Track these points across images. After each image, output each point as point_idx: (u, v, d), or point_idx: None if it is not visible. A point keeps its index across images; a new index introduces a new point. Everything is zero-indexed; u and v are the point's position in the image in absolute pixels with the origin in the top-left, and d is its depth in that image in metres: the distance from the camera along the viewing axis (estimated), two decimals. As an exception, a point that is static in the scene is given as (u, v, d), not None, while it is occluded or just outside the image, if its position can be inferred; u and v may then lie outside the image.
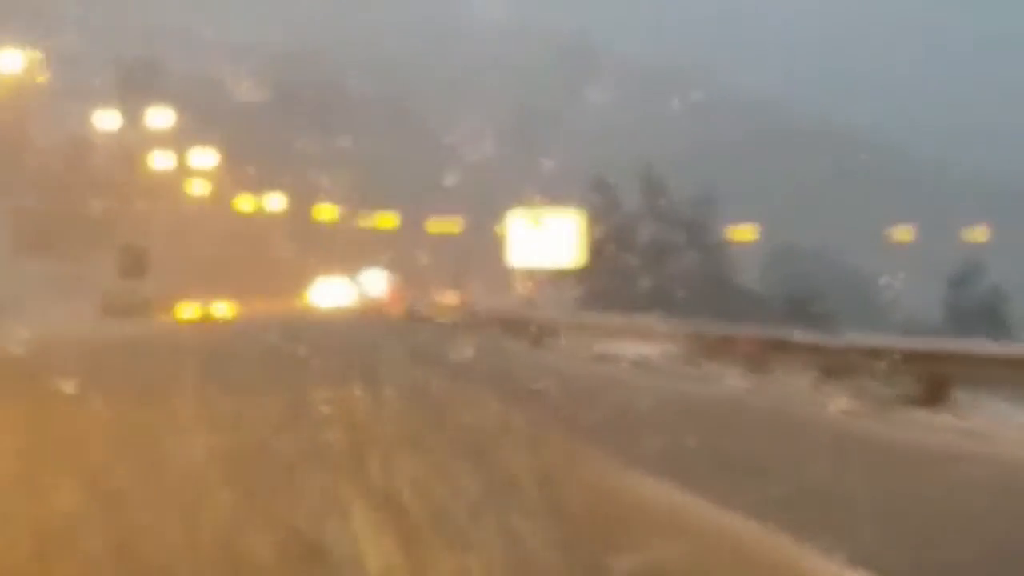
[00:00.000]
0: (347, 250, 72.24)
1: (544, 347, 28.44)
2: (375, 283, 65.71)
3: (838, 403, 14.00)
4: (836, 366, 16.46)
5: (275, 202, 73.40)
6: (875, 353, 15.72)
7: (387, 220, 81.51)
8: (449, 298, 57.00)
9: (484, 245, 74.52)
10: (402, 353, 22.64)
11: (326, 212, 77.58)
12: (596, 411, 12.57)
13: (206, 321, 47.10)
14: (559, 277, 49.94)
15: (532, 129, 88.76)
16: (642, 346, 24.34)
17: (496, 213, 76.33)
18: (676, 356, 22.56)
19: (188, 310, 47.76)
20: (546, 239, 42.93)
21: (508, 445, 8.93)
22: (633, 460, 8.74)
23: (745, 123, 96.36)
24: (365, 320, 46.59)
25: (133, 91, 67.69)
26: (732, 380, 18.36)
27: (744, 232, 79.86)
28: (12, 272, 58.54)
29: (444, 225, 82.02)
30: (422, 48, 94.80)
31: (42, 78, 64.56)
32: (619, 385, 17.77)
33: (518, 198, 61.25)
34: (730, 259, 68.94)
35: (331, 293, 62.99)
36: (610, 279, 60.54)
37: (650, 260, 65.70)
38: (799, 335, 19.96)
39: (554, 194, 54.47)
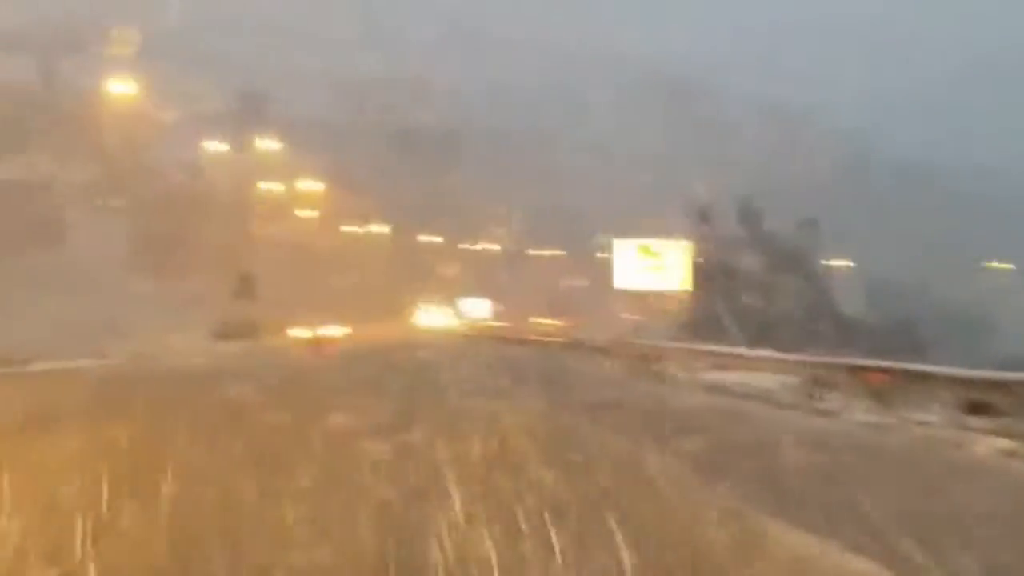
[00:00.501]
0: (449, 275, 72.15)
1: (653, 375, 27.57)
2: (477, 308, 65.64)
3: (990, 443, 12.93)
4: (976, 400, 15.39)
5: (379, 228, 73.61)
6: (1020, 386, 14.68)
7: (487, 247, 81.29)
8: (553, 322, 56.31)
9: (585, 272, 73.92)
10: (510, 378, 22.07)
11: (428, 238, 77.56)
12: (733, 456, 11.73)
13: (321, 343, 47.29)
14: (665, 302, 49.06)
15: (632, 160, 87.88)
16: (755, 376, 23.38)
17: (595, 241, 75.68)
18: (794, 387, 21.56)
19: (302, 332, 48.22)
20: (655, 265, 42.23)
21: (653, 501, 8.23)
22: (803, 523, 7.84)
23: (839, 153, 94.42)
24: (472, 342, 46.13)
25: (244, 121, 68.45)
26: (861, 415, 17.34)
27: (838, 262, 78.29)
28: (126, 293, 59.27)
29: (544, 252, 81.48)
30: (526, 79, 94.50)
31: (157, 106, 65.69)
32: (744, 421, 16.84)
33: (618, 227, 60.40)
34: (831, 288, 67.39)
35: (434, 316, 63.02)
36: (711, 307, 59.48)
37: (751, 288, 64.47)
38: (932, 366, 18.80)
39: (653, 223, 53.54)
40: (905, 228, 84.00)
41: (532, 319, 58.13)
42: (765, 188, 75.07)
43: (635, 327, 44.55)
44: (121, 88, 61.60)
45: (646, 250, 41.82)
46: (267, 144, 63.98)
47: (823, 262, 69.74)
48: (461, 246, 76.44)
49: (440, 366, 25.94)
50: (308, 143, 69.49)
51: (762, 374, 23.47)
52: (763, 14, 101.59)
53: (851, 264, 79.23)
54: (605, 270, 55.03)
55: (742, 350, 26.97)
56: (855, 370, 20.37)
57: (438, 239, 77.44)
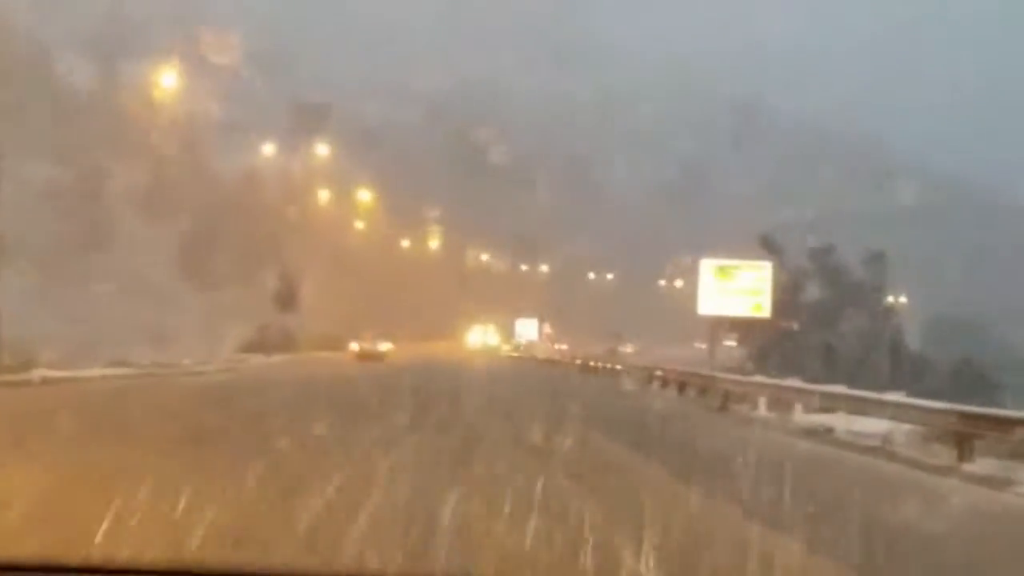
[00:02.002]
0: (500, 295, 67.69)
1: (732, 413, 22.90)
2: (528, 330, 61.28)
3: None
4: None
5: (431, 244, 69.45)
6: None
7: (541, 268, 76.83)
8: (612, 349, 51.64)
9: (644, 297, 69.28)
10: (570, 413, 17.67)
11: (480, 257, 73.30)
12: (894, 560, 7.33)
13: (373, 359, 43.97)
14: (741, 329, 43.90)
15: (696, 186, 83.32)
16: (862, 421, 18.73)
17: (655, 266, 71.04)
18: (918, 438, 16.88)
19: (356, 346, 46.30)
20: (735, 288, 37.41)
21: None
22: None
23: (900, 185, 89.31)
24: (526, 367, 41.54)
25: (302, 130, 64.79)
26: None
27: (898, 297, 73.18)
28: (170, 299, 55.68)
29: (599, 276, 76.94)
30: (590, 104, 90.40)
31: (215, 111, 62.43)
32: (880, 488, 12.23)
33: (681, 253, 55.77)
34: (898, 324, 62.12)
35: (485, 337, 59.10)
36: (785, 339, 54.68)
37: (817, 320, 59.56)
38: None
39: (718, 251, 49.09)
40: (968, 264, 78.90)
41: (591, 345, 53.49)
42: (827, 218, 70.52)
43: (709, 356, 39.71)
44: (177, 91, 58.24)
45: (724, 272, 37.07)
46: (325, 153, 59.97)
47: (890, 298, 64.55)
48: (522, 267, 72.04)
49: (487, 396, 21.32)
50: (368, 155, 65.86)
51: (868, 419, 18.81)
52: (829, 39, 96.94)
53: (904, 299, 74.26)
54: (668, 294, 50.69)
55: (838, 388, 22.19)
56: (1000, 422, 15.56)
57: (495, 258, 73.24)
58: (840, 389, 21.57)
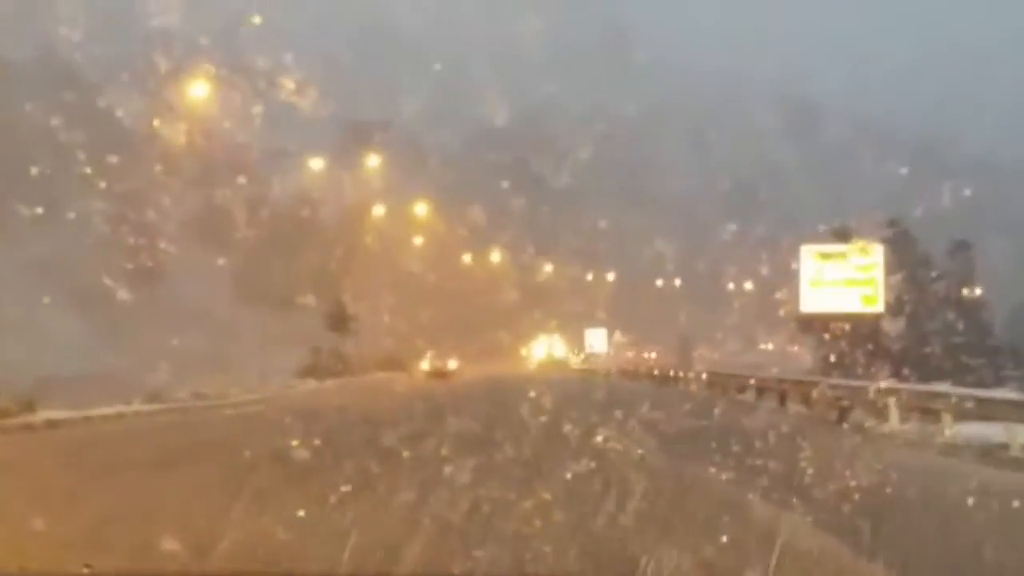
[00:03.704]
0: (566, 307, 63.24)
1: (858, 429, 18.08)
2: (598, 340, 56.64)
3: None
4: None
5: (496, 257, 65.11)
6: None
7: (607, 277, 72.32)
8: (688, 357, 46.73)
9: (712, 301, 64.36)
10: (666, 441, 13.20)
11: (544, 268, 68.86)
12: None
13: (442, 377, 41.45)
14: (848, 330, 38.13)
15: (753, 189, 78.27)
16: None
17: (721, 271, 66.13)
18: None
19: (426, 365, 44.77)
20: (843, 278, 31.95)
21: None
22: None
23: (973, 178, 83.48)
24: (592, 383, 36.81)
25: (357, 148, 61.06)
26: None
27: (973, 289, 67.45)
28: (231, 330, 52.47)
29: (667, 283, 72.21)
30: (640, 117, 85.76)
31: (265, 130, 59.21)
32: None
33: (746, 255, 51.04)
34: (990, 317, 56.40)
35: (551, 348, 54.71)
36: (855, 336, 49.17)
37: (901, 315, 54.08)
38: None
39: (774, 253, 44.24)
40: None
41: (665, 353, 48.64)
42: (900, 212, 65.20)
43: (815, 364, 34.52)
44: (226, 114, 54.97)
45: (829, 258, 31.42)
46: (377, 166, 55.95)
47: (977, 289, 58.80)
48: (588, 277, 67.39)
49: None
50: (423, 176, 62.02)
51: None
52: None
53: (979, 291, 68.52)
54: (737, 298, 45.96)
55: (999, 393, 17.37)
56: None
57: (559, 270, 68.73)
58: (1003, 393, 16.74)
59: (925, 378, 31.05)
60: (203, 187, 57.56)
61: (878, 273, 32.04)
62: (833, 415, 19.53)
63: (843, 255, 31.92)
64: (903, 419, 17.55)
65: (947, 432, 15.83)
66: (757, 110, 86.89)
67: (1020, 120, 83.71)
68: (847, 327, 43.31)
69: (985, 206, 76.32)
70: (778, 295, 44.85)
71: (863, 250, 31.85)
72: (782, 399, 23.23)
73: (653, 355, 49.04)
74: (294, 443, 12.51)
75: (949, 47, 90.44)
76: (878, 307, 32.44)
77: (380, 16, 79.78)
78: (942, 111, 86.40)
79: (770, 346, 39.53)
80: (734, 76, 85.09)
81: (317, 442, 12.63)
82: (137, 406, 25.19)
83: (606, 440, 12.58)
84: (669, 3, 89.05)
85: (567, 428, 13.92)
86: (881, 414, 18.73)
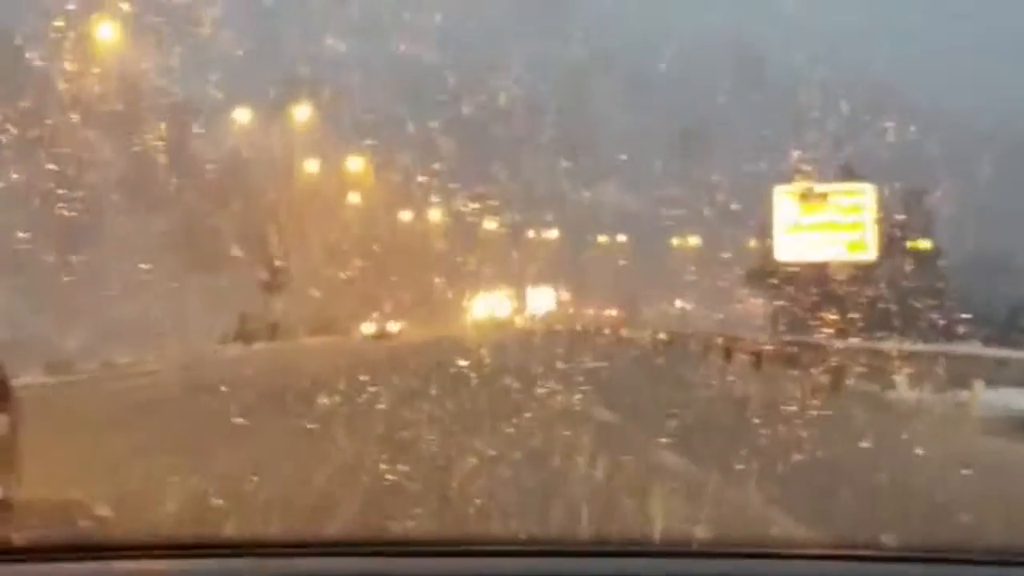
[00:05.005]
0: (507, 264, 60.32)
1: (861, 396, 15.14)
2: (543, 299, 53.77)
3: None
4: None
5: (437, 215, 61.75)
6: None
7: (549, 235, 69.36)
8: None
9: (659, 257, 61.82)
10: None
11: (486, 226, 65.65)
12: None
13: (386, 338, 40.55)
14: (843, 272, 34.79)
15: (700, 142, 75.47)
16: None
17: (664, 229, 63.38)
18: None
19: (369, 327, 43.60)
20: (825, 222, 28.78)
21: None
22: None
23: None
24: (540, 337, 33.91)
25: (288, 103, 57.27)
26: None
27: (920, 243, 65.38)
28: (148, 291, 49.88)
29: (611, 239, 69.45)
30: (586, 67, 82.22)
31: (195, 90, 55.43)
32: None
33: (683, 218, 48.39)
34: (942, 269, 54.14)
35: (494, 307, 51.96)
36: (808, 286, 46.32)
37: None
38: None
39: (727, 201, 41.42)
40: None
41: (613, 310, 45.89)
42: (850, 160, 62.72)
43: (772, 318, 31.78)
44: (152, 68, 50.98)
45: (809, 200, 28.14)
46: (307, 118, 52.43)
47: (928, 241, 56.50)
48: (529, 233, 64.11)
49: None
50: (357, 126, 58.45)
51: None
52: None
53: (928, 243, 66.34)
54: (683, 253, 43.20)
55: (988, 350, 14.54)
56: None
57: (502, 227, 65.43)
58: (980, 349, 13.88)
59: (880, 333, 28.53)
60: (125, 140, 53.83)
61: (867, 216, 28.93)
62: (826, 379, 16.61)
63: (823, 196, 28.72)
64: (913, 385, 14.67)
65: (985, 401, 12.92)
66: (699, 53, 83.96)
67: (966, 69, 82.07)
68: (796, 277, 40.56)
69: (932, 155, 74.52)
70: (729, 246, 42.26)
71: (850, 191, 28.70)
72: (758, 361, 20.35)
73: (613, 312, 46.42)
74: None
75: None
76: (868, 254, 29.34)
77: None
78: (891, 61, 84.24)
79: (737, 304, 36.88)
80: (678, 25, 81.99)
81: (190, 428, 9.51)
82: (31, 378, 21.95)
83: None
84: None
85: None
86: (878, 377, 15.85)
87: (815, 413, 13.02)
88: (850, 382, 16.03)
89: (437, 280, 51.92)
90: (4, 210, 48.97)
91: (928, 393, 13.95)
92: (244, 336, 35.55)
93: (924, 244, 51.38)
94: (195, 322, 42.60)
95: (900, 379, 14.45)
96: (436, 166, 60.06)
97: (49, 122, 51.27)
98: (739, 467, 7.81)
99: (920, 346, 16.89)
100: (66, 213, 49.98)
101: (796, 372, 17.50)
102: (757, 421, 9.46)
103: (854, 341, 20.26)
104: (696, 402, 14.63)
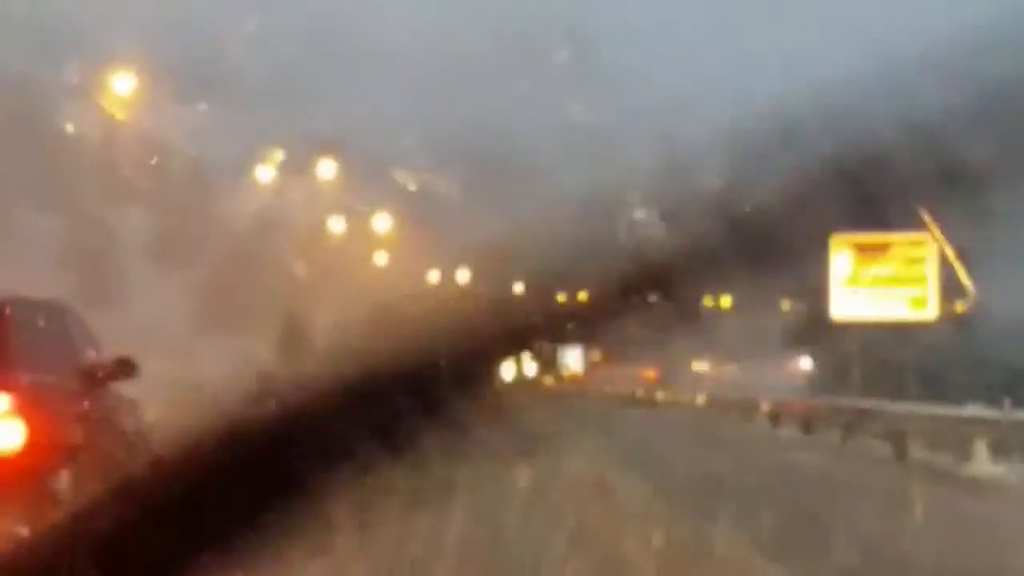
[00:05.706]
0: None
1: (930, 471, 13.31)
2: (574, 359, 52.18)
3: None
4: None
5: (460, 277, 60.52)
6: None
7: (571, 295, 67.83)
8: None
9: (689, 318, 59.84)
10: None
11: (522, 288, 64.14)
12: None
13: None
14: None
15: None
16: None
17: (699, 285, 61.56)
18: None
19: None
20: (887, 274, 26.59)
21: None
22: None
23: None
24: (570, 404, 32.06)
25: (313, 162, 56.55)
26: None
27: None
28: (188, 354, 48.58)
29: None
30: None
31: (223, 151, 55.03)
32: None
33: (720, 273, 46.44)
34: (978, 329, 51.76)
35: (522, 369, 50.22)
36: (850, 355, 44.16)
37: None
38: None
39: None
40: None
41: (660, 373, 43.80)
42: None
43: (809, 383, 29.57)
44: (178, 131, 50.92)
45: (866, 252, 25.50)
46: (331, 176, 51.51)
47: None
48: (551, 292, 62.50)
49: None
50: (384, 187, 57.67)
51: None
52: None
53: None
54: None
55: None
56: None
57: (530, 288, 63.88)
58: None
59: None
60: (152, 204, 53.32)
61: (929, 269, 26.46)
62: (888, 449, 14.78)
63: (884, 246, 26.37)
64: (996, 456, 12.82)
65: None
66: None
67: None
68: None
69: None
70: (772, 302, 40.14)
71: (910, 242, 26.37)
72: (807, 427, 18.55)
73: (648, 373, 44.68)
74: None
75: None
76: (928, 312, 26.89)
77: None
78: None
79: (780, 363, 34.83)
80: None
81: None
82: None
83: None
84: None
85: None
86: (946, 445, 14.02)
87: (883, 494, 11.19)
88: (919, 453, 14.19)
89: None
90: (30, 268, 48.29)
91: (1018, 466, 12.17)
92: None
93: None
94: (212, 380, 41.24)
95: (978, 449, 12.64)
96: (468, 237, 59.09)
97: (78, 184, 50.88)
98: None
99: (991, 412, 15.01)
100: (97, 273, 49.46)
101: (851, 440, 15.70)
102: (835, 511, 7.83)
103: (909, 405, 18.44)
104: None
